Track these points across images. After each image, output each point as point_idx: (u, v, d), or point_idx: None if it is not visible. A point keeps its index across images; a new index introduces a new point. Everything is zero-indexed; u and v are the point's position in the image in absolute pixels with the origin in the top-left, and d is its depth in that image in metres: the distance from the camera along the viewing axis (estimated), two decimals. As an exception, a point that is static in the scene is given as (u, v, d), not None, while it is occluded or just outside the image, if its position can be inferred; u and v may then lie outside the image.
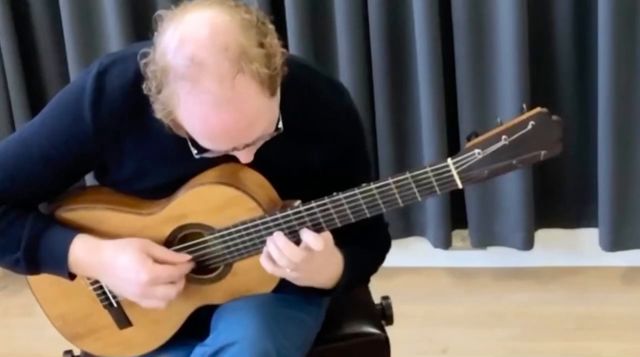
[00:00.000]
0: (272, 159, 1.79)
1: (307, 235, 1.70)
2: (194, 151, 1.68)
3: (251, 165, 1.78)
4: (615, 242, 3.09)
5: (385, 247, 1.98)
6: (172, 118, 1.63)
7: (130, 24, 3.13)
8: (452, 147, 3.07)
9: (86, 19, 3.18)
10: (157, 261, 1.78)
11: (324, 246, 1.70)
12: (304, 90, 1.77)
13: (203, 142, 1.65)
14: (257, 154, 1.75)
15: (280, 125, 1.67)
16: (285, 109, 1.69)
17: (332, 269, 1.81)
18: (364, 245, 1.87)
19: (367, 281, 2.01)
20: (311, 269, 1.74)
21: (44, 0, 3.24)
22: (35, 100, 3.32)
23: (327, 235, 1.73)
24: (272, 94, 1.61)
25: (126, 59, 1.78)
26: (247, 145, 1.65)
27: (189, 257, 1.80)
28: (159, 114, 1.64)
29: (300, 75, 1.75)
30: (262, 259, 1.73)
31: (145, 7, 3.17)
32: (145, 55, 1.63)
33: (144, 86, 1.64)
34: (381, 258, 1.97)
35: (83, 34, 3.19)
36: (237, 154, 1.68)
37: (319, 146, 1.81)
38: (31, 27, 3.28)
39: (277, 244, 1.70)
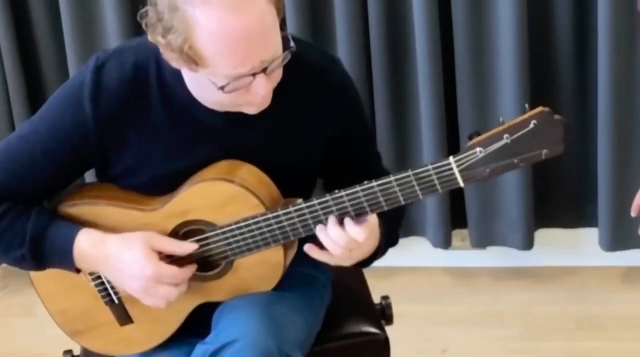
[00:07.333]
0: (274, 154, 1.80)
1: (351, 228, 1.71)
2: (218, 86, 1.64)
3: (253, 161, 1.78)
4: (615, 242, 3.09)
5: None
6: (190, 45, 1.60)
7: (130, 24, 3.12)
8: (452, 147, 3.07)
9: (86, 19, 3.17)
10: (163, 252, 1.78)
11: (369, 234, 1.72)
12: (294, 60, 1.76)
13: (224, 61, 1.61)
14: (259, 149, 1.75)
15: (292, 44, 1.67)
16: (279, 85, 1.70)
17: (372, 244, 1.82)
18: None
19: (397, 241, 2.00)
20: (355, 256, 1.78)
21: (44, 0, 3.24)
22: (35, 100, 3.31)
23: (373, 219, 1.74)
24: (277, 14, 1.63)
25: (123, 52, 1.80)
26: (265, 69, 1.64)
27: (195, 246, 1.79)
28: (174, 54, 1.62)
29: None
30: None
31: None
32: (144, 15, 1.65)
33: (149, 37, 1.64)
34: (404, 213, 1.97)
35: (83, 34, 3.18)
36: (256, 85, 1.65)
37: (317, 123, 1.82)
38: (31, 27, 3.27)
39: (329, 234, 1.72)
